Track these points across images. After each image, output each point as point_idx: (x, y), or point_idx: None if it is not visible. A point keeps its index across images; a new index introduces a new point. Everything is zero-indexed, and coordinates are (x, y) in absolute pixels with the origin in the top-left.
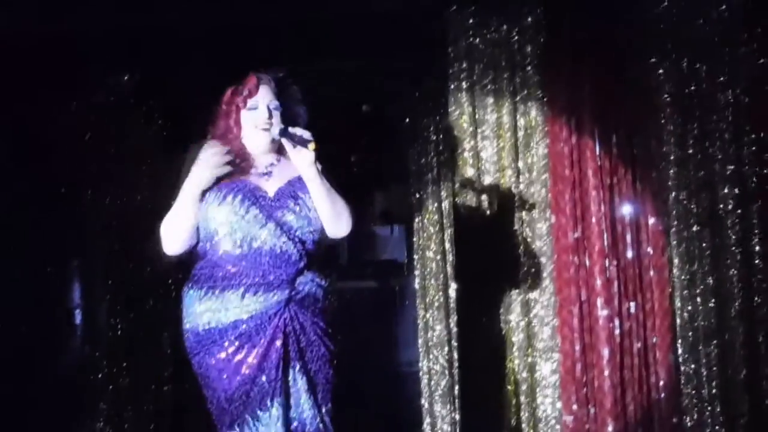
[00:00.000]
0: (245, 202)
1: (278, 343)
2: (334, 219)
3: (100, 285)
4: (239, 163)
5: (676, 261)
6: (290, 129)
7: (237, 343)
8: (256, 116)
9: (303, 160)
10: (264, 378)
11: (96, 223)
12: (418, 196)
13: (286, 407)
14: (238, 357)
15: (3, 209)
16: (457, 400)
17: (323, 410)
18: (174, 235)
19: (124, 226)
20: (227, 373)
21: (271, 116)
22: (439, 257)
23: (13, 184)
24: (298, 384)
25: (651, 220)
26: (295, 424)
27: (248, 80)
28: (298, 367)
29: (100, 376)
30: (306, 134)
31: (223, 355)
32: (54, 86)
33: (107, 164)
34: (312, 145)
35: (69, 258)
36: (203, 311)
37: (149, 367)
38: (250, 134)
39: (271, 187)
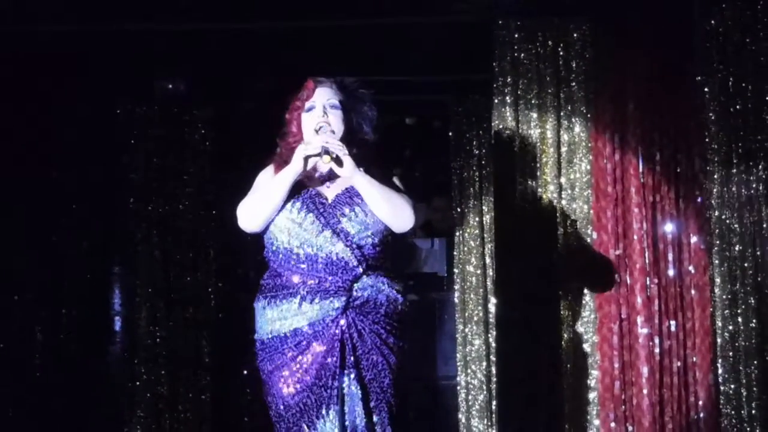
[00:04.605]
0: (303, 208)
1: (335, 350)
2: (394, 215)
3: (141, 293)
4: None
5: (717, 280)
6: (329, 144)
7: (296, 351)
8: (314, 116)
9: (341, 171)
10: (320, 386)
11: (137, 230)
12: (459, 209)
13: (342, 415)
14: (296, 365)
15: (45, 216)
16: (493, 415)
17: (374, 419)
18: (260, 213)
19: (165, 234)
20: (286, 380)
21: (325, 114)
22: (479, 271)
23: (56, 190)
24: (353, 392)
25: (693, 239)
26: None
27: (306, 84)
28: (353, 375)
29: (138, 383)
30: (335, 147)
31: (282, 362)
32: (101, 92)
33: (151, 172)
34: (327, 158)
35: (110, 265)
36: (268, 321)
37: (187, 374)
38: (310, 138)
39: (331, 193)
